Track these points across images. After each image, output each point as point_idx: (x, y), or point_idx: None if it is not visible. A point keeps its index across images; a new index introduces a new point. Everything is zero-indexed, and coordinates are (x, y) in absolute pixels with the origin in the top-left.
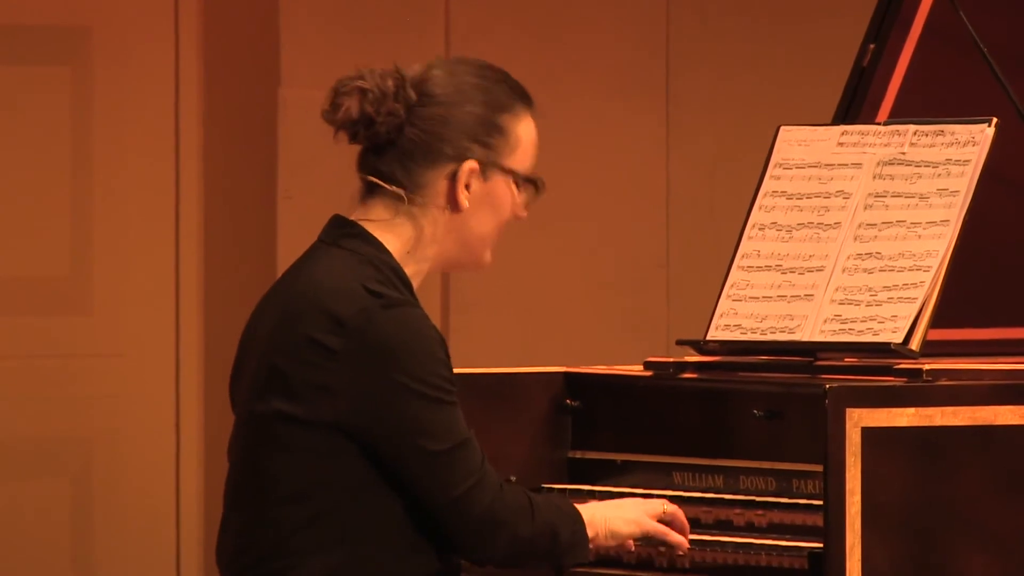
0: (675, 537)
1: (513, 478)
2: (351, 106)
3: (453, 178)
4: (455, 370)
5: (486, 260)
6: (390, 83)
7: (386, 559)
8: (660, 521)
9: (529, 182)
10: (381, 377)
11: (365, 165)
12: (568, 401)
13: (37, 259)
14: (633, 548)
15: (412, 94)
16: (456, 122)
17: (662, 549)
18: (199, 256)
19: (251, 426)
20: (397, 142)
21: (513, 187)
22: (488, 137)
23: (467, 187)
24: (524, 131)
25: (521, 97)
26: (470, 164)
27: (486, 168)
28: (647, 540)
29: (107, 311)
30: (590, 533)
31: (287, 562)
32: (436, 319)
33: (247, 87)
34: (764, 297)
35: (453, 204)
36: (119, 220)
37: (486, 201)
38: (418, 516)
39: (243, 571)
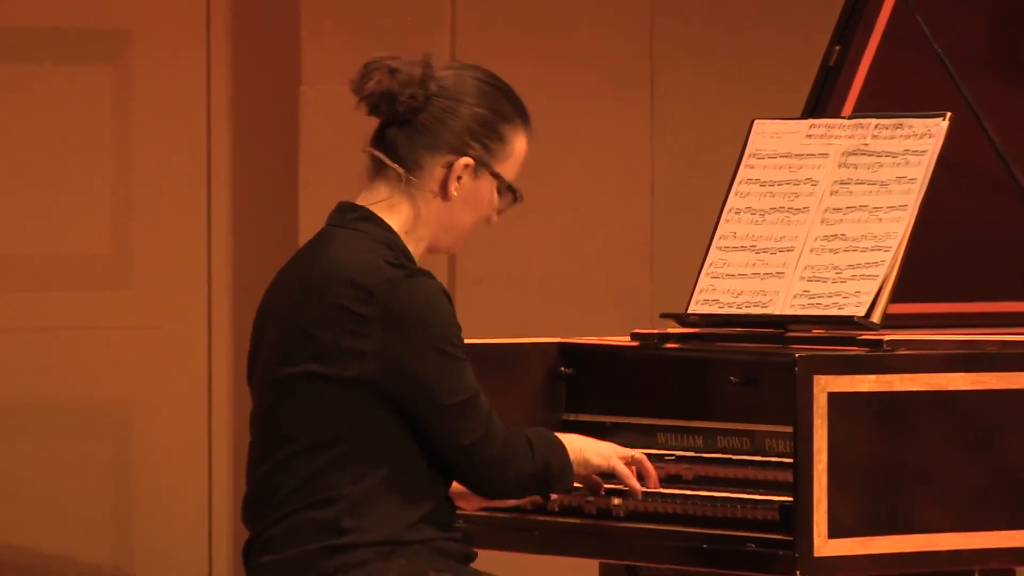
0: (634, 483)
1: None
2: (381, 80)
3: (449, 168)
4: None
5: (458, 248)
6: (418, 71)
7: (404, 491)
8: (628, 465)
9: (510, 191)
10: (407, 339)
11: (376, 141)
12: (562, 369)
13: (81, 239)
14: (602, 486)
15: (433, 86)
16: (464, 117)
17: (616, 501)
18: (228, 237)
19: (278, 388)
20: (411, 122)
21: (495, 191)
22: (489, 140)
23: (458, 179)
24: (519, 145)
25: (522, 114)
26: (466, 160)
27: (479, 167)
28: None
29: (145, 287)
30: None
31: (313, 498)
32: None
33: (272, 85)
34: (740, 274)
35: (444, 192)
36: (156, 204)
37: (471, 197)
38: (430, 455)
39: (269, 511)
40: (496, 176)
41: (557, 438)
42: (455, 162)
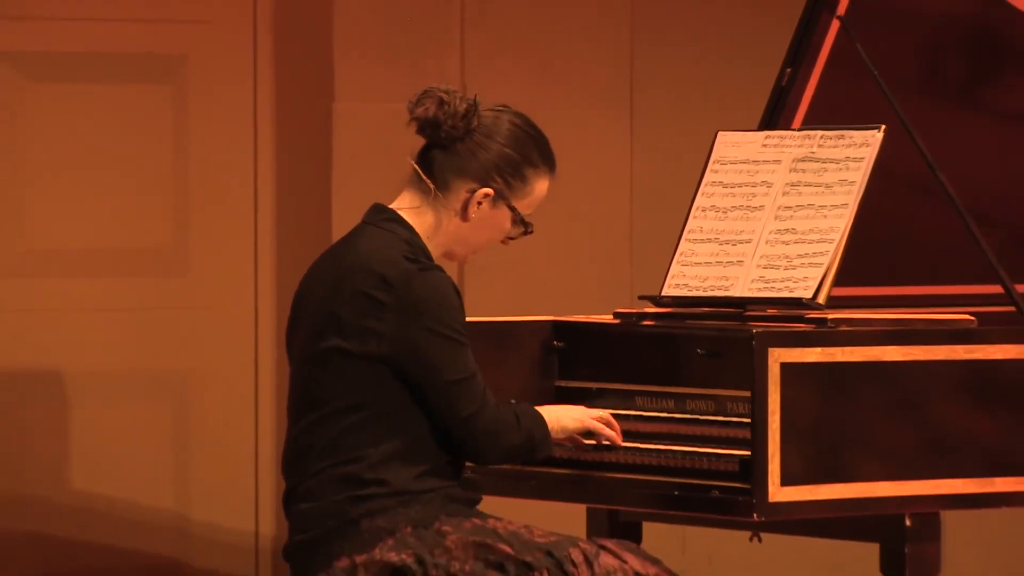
0: (609, 433)
1: (513, 401)
2: (429, 108)
3: (472, 193)
4: (470, 319)
5: (469, 259)
6: (463, 106)
7: (417, 452)
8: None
9: (523, 223)
10: (416, 324)
11: (419, 156)
12: (555, 343)
13: (146, 233)
14: (585, 441)
15: (475, 121)
16: (493, 154)
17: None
18: (272, 232)
19: (312, 361)
20: (448, 148)
21: (510, 221)
22: (512, 178)
23: (478, 204)
24: (539, 188)
25: (548, 161)
26: (487, 190)
27: (498, 199)
28: (587, 435)
29: (200, 273)
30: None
31: (340, 456)
32: (455, 280)
33: (309, 101)
34: (706, 263)
35: (464, 212)
36: (210, 204)
37: (487, 222)
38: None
39: (305, 466)
40: (512, 209)
41: (538, 412)
42: (477, 190)
